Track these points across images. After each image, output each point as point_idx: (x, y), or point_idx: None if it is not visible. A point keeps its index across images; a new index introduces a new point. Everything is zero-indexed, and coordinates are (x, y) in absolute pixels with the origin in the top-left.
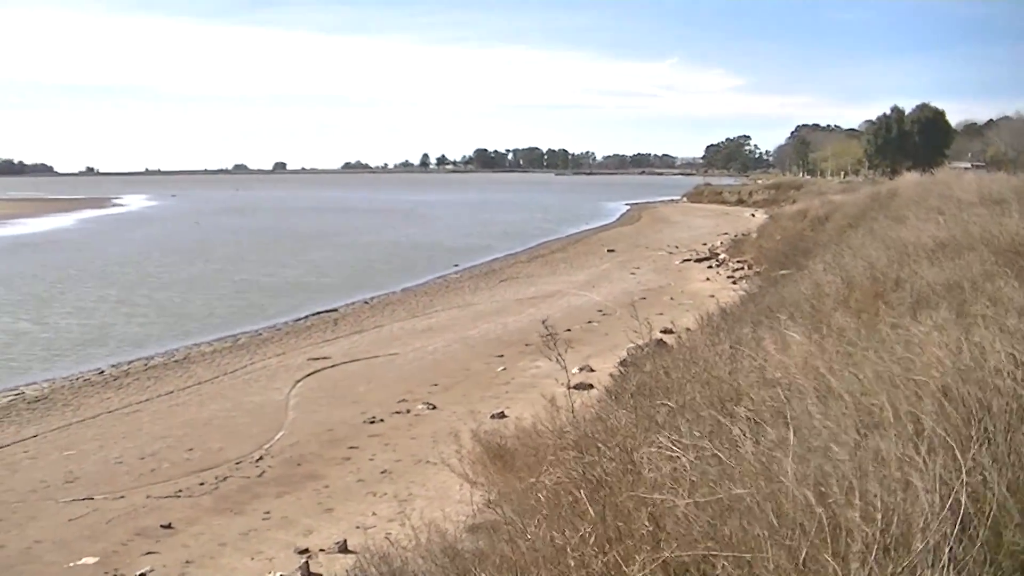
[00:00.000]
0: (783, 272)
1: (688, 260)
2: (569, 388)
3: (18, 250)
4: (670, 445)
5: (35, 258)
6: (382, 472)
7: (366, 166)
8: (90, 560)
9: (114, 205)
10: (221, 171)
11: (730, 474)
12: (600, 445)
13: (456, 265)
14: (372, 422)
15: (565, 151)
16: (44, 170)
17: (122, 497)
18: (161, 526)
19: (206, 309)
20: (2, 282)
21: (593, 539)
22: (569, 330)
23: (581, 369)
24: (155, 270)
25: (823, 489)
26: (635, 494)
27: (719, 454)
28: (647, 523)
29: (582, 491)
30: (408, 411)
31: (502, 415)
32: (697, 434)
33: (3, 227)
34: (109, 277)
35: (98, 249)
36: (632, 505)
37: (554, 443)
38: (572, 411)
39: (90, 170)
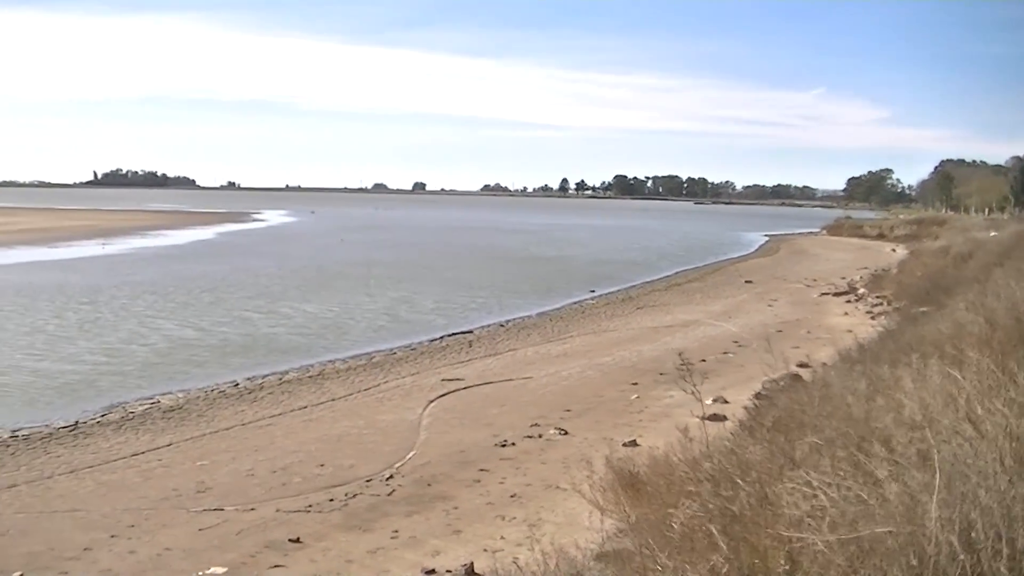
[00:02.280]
0: (923, 309)
1: (826, 294)
2: (703, 419)
3: (162, 261)
4: (809, 481)
5: (178, 269)
6: (511, 496)
7: (505, 189)
8: (219, 570)
9: (254, 220)
10: (360, 190)
11: (871, 514)
12: (736, 479)
13: (592, 291)
14: (503, 445)
15: (704, 180)
16: (186, 183)
17: (252, 509)
18: (289, 540)
19: (350, 323)
20: (153, 290)
21: (725, 573)
22: (704, 360)
23: (715, 400)
24: (300, 282)
25: (971, 535)
26: (773, 531)
27: (861, 493)
28: (783, 561)
29: (715, 525)
30: (540, 436)
31: (634, 443)
32: (840, 473)
33: (146, 238)
34: (252, 289)
35: (240, 262)
36: (768, 543)
37: (688, 475)
38: (707, 444)
39: (231, 184)
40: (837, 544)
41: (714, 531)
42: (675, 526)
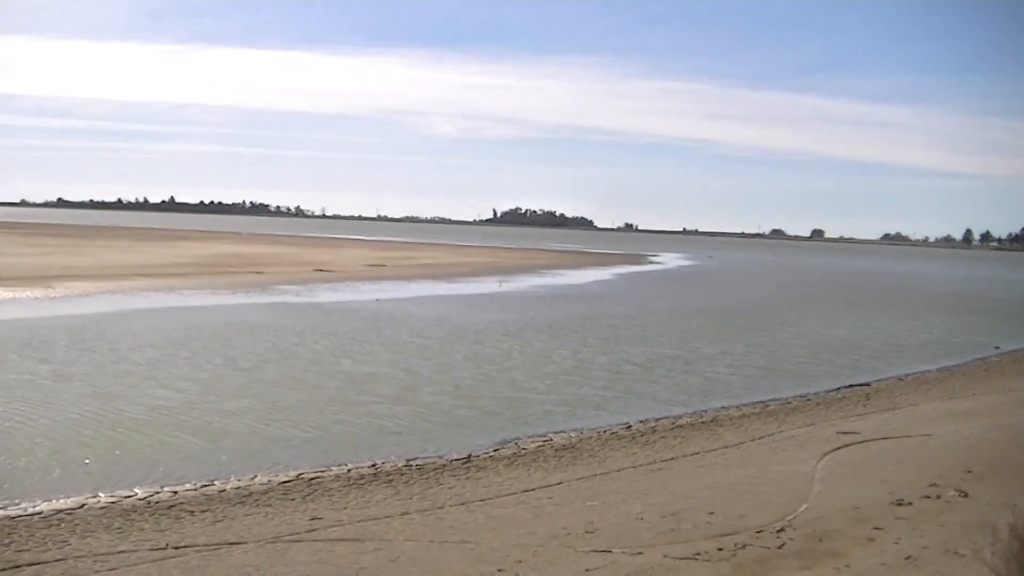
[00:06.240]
0: None
1: None
2: None
3: (563, 300)
4: None
5: (578, 308)
6: (907, 557)
7: (905, 238)
8: None
9: (650, 262)
10: (757, 235)
11: None
12: None
13: (997, 347)
14: (899, 504)
15: None
16: (584, 224)
17: (639, 553)
18: None
19: (767, 366)
20: (559, 328)
21: None
22: None
23: None
24: (711, 325)
25: None
26: None
27: None
28: None
29: None
30: (938, 496)
31: None
32: None
33: (543, 277)
34: (662, 328)
35: (644, 303)
36: None
37: None
38: None
39: (628, 226)
40: None
41: None
42: None
